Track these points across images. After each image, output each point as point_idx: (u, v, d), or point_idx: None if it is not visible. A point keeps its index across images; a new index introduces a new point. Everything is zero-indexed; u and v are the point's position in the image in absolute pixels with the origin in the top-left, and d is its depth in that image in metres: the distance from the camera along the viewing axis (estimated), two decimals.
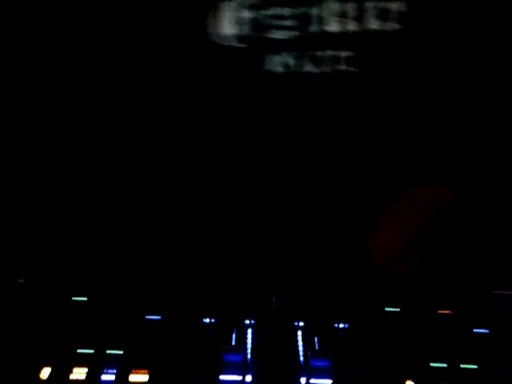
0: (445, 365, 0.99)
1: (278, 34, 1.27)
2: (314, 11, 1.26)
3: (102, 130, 1.35)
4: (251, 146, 1.38)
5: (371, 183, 1.34)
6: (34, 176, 1.39)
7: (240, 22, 1.24)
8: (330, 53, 1.28)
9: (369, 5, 1.23)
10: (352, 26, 1.24)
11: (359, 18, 1.25)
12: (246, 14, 1.25)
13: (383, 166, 1.34)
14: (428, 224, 1.27)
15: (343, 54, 1.28)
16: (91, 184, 1.39)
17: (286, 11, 1.25)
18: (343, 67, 1.29)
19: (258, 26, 1.27)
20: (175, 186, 1.39)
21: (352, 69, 1.28)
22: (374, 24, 1.24)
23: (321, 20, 1.25)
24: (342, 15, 1.25)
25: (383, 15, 1.25)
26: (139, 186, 1.40)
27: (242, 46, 1.26)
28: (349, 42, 1.27)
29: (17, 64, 1.28)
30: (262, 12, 1.25)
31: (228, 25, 1.24)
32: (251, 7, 1.25)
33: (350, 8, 1.23)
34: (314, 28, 1.25)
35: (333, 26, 1.24)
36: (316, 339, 1.04)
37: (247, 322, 1.08)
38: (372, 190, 1.35)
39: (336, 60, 1.29)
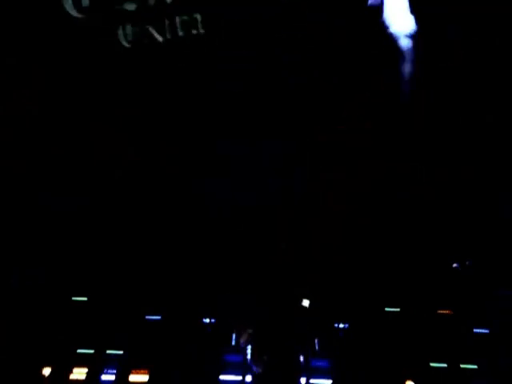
0: (445, 365, 0.99)
1: None
2: None
3: (102, 130, 1.35)
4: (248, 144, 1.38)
5: (373, 183, 1.34)
6: (34, 176, 1.39)
7: None
8: None
9: None
10: None
11: None
12: None
13: (382, 166, 1.34)
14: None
15: None
16: (91, 184, 1.39)
17: None
18: None
19: None
20: (175, 185, 1.39)
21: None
22: None
23: None
24: None
25: None
26: (139, 186, 1.40)
27: None
28: None
29: (17, 64, 1.28)
30: None
31: None
32: None
33: None
34: None
35: None
36: (316, 339, 1.04)
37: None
38: (373, 192, 1.35)
39: None
